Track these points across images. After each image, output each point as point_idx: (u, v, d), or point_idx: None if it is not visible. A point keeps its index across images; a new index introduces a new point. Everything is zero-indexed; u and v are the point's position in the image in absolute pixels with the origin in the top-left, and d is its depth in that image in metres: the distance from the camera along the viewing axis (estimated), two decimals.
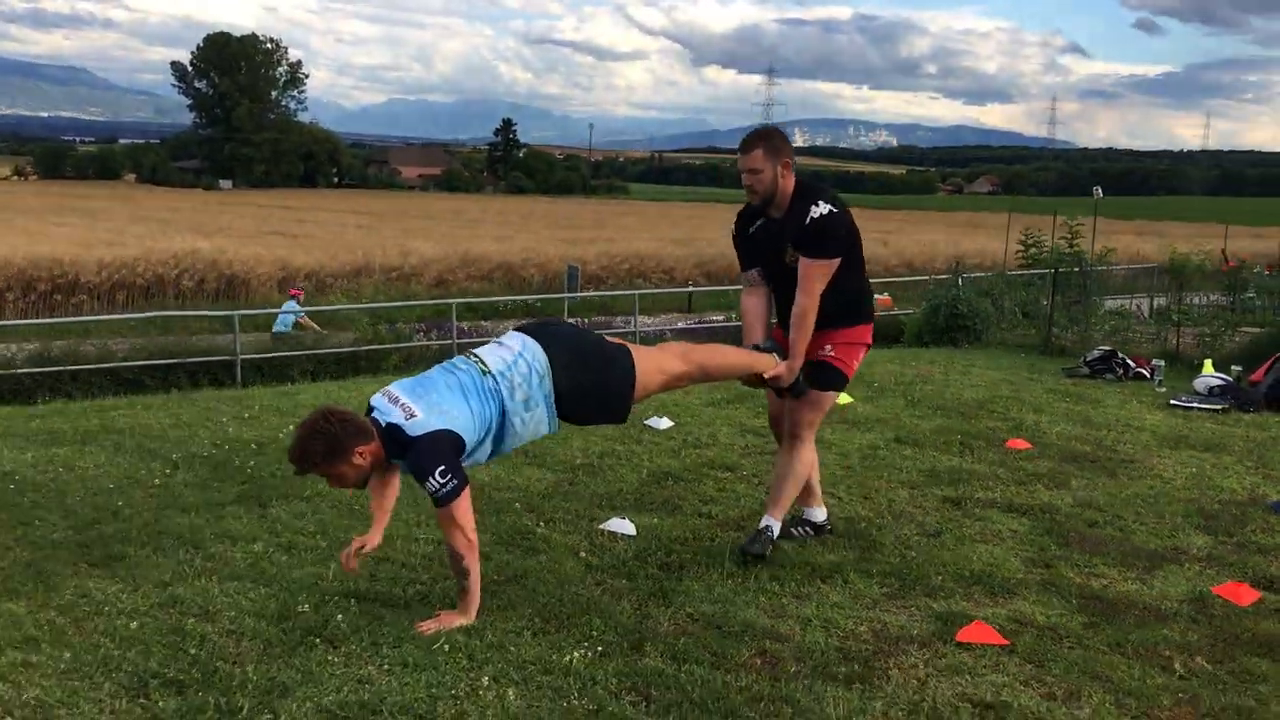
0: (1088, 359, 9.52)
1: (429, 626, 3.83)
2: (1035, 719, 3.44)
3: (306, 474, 3.87)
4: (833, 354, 4.67)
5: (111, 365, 12.45)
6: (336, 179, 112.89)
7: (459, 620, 3.89)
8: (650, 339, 16.15)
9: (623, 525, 5.11)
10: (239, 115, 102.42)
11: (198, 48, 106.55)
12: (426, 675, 3.53)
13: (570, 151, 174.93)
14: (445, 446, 3.78)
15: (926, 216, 63.05)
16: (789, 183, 4.54)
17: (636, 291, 17.90)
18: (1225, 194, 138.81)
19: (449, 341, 14.11)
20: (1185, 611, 4.35)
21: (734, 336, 15.93)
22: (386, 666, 3.58)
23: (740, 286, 5.10)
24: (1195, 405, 8.13)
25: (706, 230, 45.35)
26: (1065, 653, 3.92)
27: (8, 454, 5.95)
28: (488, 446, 4.00)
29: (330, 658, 3.62)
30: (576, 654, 3.72)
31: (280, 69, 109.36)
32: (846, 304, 4.64)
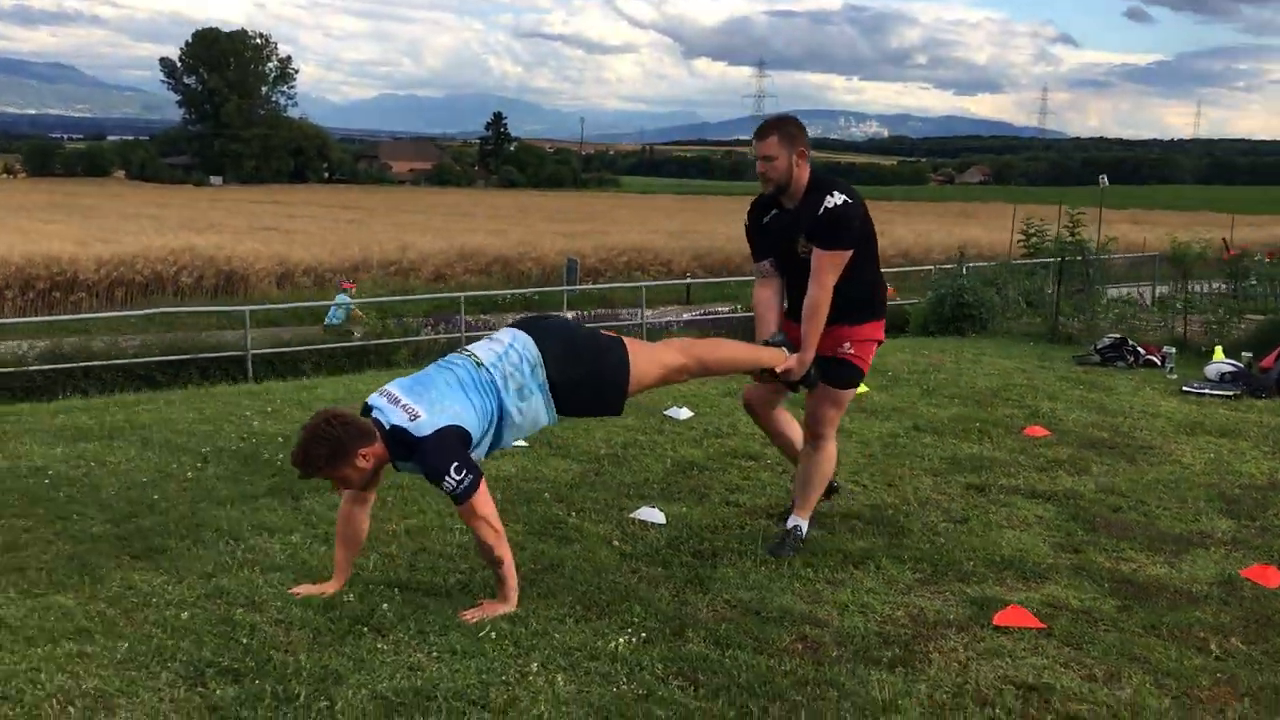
0: (1099, 346, 9.58)
1: (473, 615, 3.87)
2: (1078, 700, 3.49)
3: (310, 477, 3.88)
4: (851, 351, 4.65)
5: (124, 361, 12.46)
6: (326, 174, 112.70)
7: (501, 608, 3.92)
8: (657, 332, 16.22)
9: (653, 514, 5.15)
10: (228, 111, 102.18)
11: (187, 44, 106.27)
12: (475, 662, 3.57)
13: (561, 145, 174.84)
14: (454, 442, 3.79)
15: (919, 207, 63.13)
16: (804, 172, 4.51)
17: (642, 284, 17.92)
18: (1217, 182, 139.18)
19: (458, 335, 14.14)
20: (1215, 594, 4.40)
21: (740, 328, 16.10)
22: (435, 654, 3.62)
23: (747, 278, 5.11)
24: (1208, 392, 8.19)
25: (702, 222, 45.41)
26: (1102, 635, 3.97)
27: (37, 450, 5.98)
28: (489, 439, 4.01)
29: (380, 645, 3.66)
30: (621, 640, 3.77)
31: (270, 65, 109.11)
32: (862, 297, 4.63)
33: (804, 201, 4.51)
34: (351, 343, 13.94)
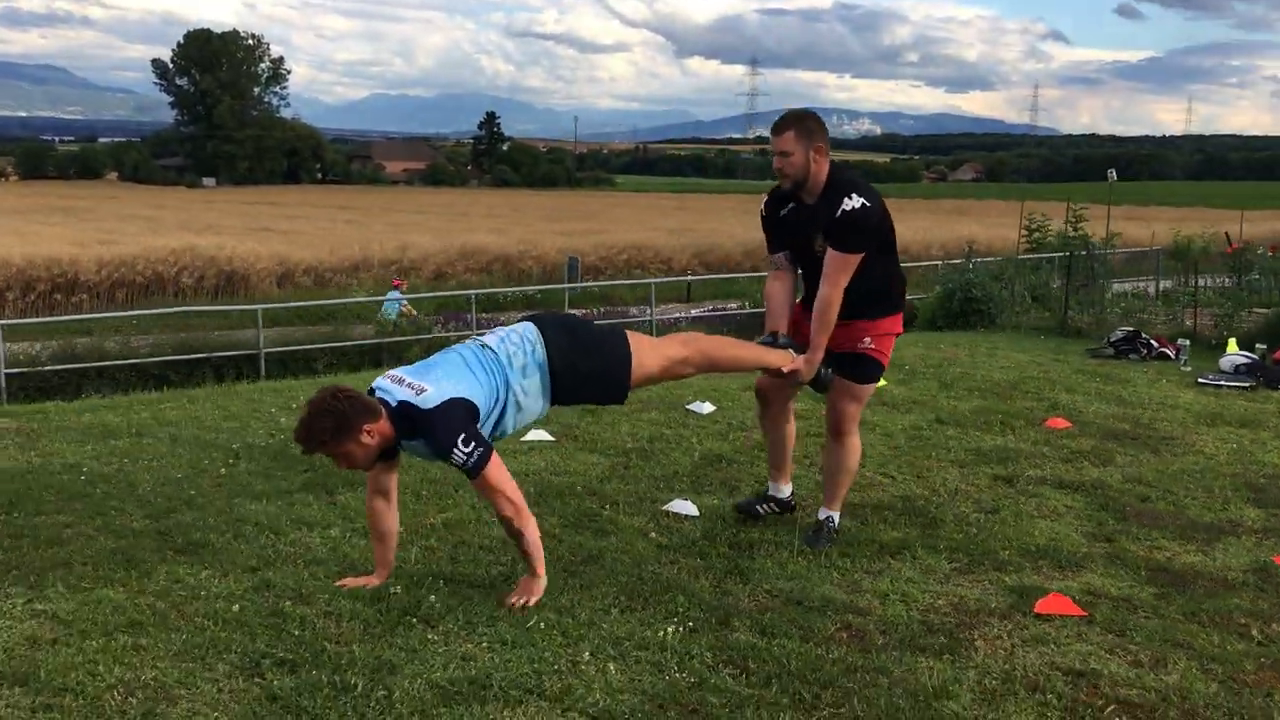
0: (1112, 339, 9.63)
1: (515, 598, 3.91)
2: (1127, 685, 3.52)
3: (314, 453, 3.84)
4: (872, 346, 4.62)
5: (138, 361, 12.45)
6: (320, 175, 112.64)
7: (536, 585, 3.95)
8: (665, 329, 16.21)
9: (685, 506, 5.18)
10: (221, 112, 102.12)
11: (179, 45, 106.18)
12: (526, 652, 3.60)
13: (554, 144, 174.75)
14: (461, 413, 3.76)
15: (913, 204, 63.13)
16: (822, 168, 4.46)
17: (651, 281, 17.94)
18: (1208, 178, 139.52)
19: (468, 333, 14.14)
20: (1251, 581, 4.44)
21: (748, 324, 16.15)
22: (486, 644, 3.65)
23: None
24: (1223, 383, 8.24)
25: (700, 220, 45.50)
26: (1143, 622, 4.00)
27: (67, 448, 5.99)
28: (495, 417, 3.98)
29: (430, 636, 3.68)
30: (668, 629, 3.80)
31: (262, 65, 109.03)
32: (880, 292, 4.60)
33: (822, 198, 4.46)
34: (402, 337, 13.98)
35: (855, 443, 4.80)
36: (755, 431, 6.62)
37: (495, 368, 3.95)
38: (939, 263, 18.34)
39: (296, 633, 3.66)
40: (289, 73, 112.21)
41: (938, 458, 6.13)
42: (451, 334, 14.72)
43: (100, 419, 6.70)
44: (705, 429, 6.68)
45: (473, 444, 3.71)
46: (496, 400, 3.95)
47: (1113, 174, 13.52)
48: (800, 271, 4.71)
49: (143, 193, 74.87)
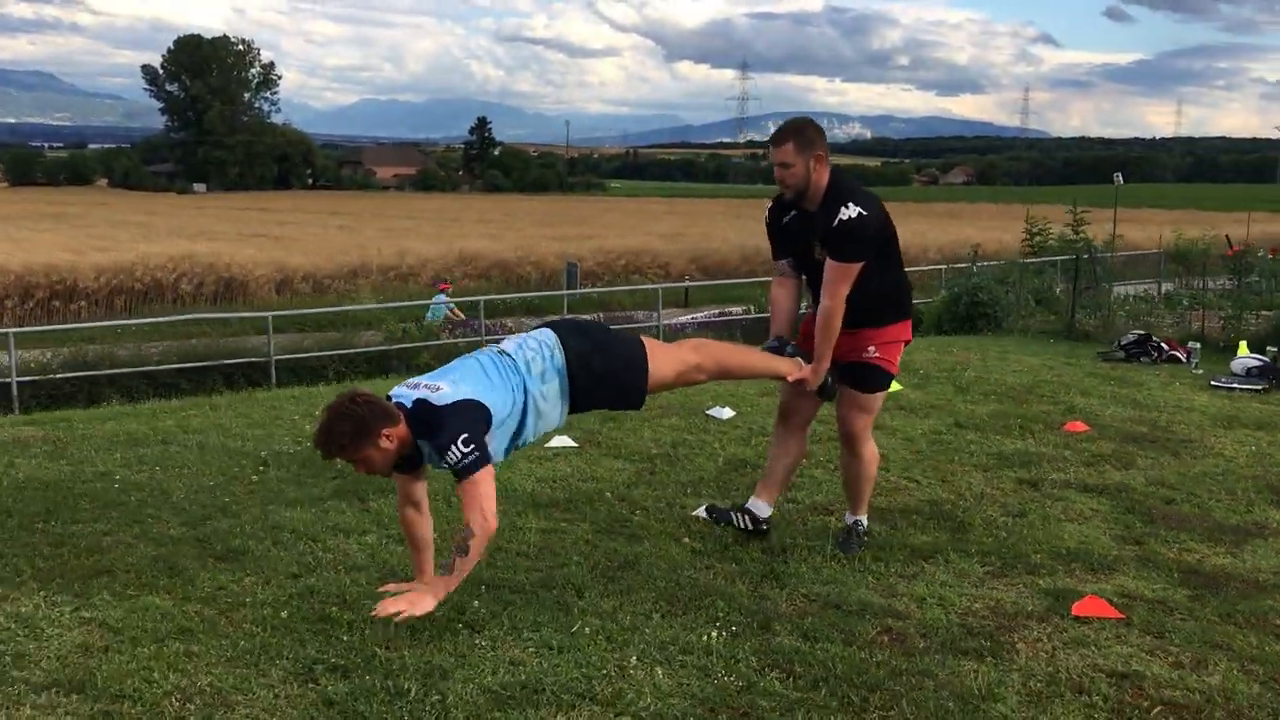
0: (1123, 343, 9.69)
1: (392, 606, 3.59)
2: (1170, 686, 3.55)
3: (333, 458, 3.81)
4: (877, 355, 4.60)
5: (149, 369, 12.41)
6: (311, 181, 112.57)
7: (426, 603, 3.64)
8: (672, 334, 16.26)
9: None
10: (211, 118, 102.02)
11: (169, 50, 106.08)
12: (573, 657, 3.62)
13: (544, 149, 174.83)
14: (473, 415, 3.74)
15: (905, 208, 63.17)
16: (822, 177, 4.43)
17: (659, 286, 17.96)
18: (1198, 180, 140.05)
19: (477, 339, 14.17)
20: None
21: (753, 329, 16.14)
22: (532, 649, 3.67)
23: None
24: (1236, 386, 8.30)
25: (695, 225, 45.51)
26: (1180, 624, 4.04)
27: (96, 456, 6.00)
28: (509, 430, 3.95)
29: (478, 642, 3.71)
30: (712, 634, 3.82)
31: (253, 71, 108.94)
32: (885, 300, 4.58)
33: (823, 207, 4.44)
34: (410, 344, 14.07)
35: (870, 451, 4.77)
36: None
37: (513, 374, 3.94)
38: (942, 267, 18.38)
39: (345, 638, 3.68)
40: (279, 78, 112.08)
41: (960, 462, 6.16)
42: (460, 340, 14.73)
43: (124, 427, 6.70)
44: (727, 434, 6.71)
45: (472, 446, 3.67)
46: (514, 406, 3.92)
47: (1119, 177, 13.58)
48: (807, 281, 4.69)
49: (133, 199, 74.74)
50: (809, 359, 4.56)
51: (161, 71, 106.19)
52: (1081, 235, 15.41)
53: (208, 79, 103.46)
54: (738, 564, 4.55)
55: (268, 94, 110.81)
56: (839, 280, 4.40)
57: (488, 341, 14.10)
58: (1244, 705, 3.44)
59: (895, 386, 7.98)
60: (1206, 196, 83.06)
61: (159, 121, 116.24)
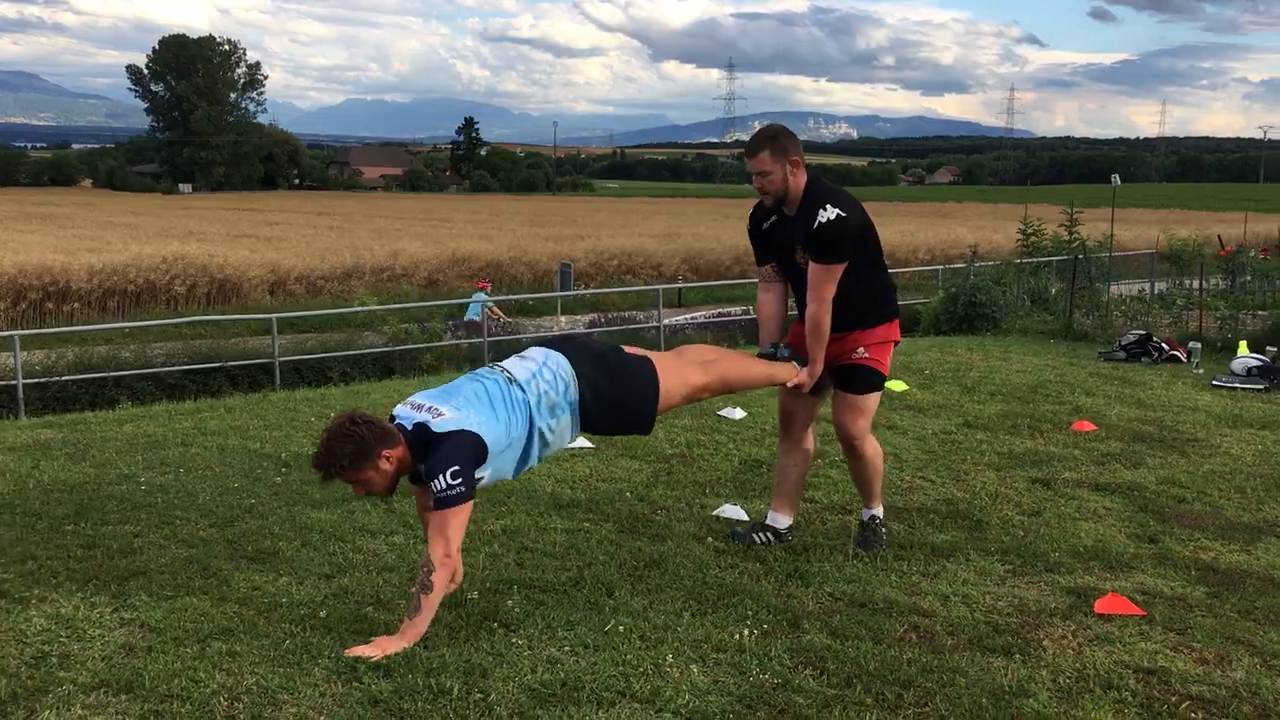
0: (1123, 343, 9.78)
1: (360, 651, 3.59)
2: (1196, 681, 3.62)
3: (332, 479, 3.77)
4: (866, 356, 4.64)
5: (156, 370, 12.38)
6: (297, 181, 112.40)
7: (395, 645, 3.62)
8: (672, 336, 16.32)
9: (735, 511, 5.27)
10: (197, 118, 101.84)
11: (154, 50, 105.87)
12: (609, 655, 3.67)
13: (531, 149, 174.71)
14: (467, 449, 3.72)
15: (894, 207, 63.49)
16: (799, 180, 4.47)
17: (659, 287, 18.01)
18: (1183, 180, 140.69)
19: (480, 340, 14.19)
20: None
21: (751, 329, 16.19)
22: (568, 648, 3.72)
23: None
24: (1238, 386, 8.40)
25: (686, 225, 45.58)
26: (1201, 621, 4.11)
27: (118, 458, 6.02)
28: (513, 458, 3.94)
29: (515, 641, 3.75)
30: (743, 632, 3.88)
31: (238, 71, 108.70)
32: (871, 301, 4.61)
33: (801, 210, 4.48)
34: (414, 345, 14.16)
35: (872, 448, 4.79)
36: None
37: (520, 408, 3.91)
38: (940, 267, 18.50)
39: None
40: (265, 78, 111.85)
41: (973, 461, 6.24)
42: (463, 341, 14.76)
43: (142, 429, 6.73)
44: (740, 435, 6.77)
45: (459, 480, 3.66)
46: (515, 438, 3.90)
47: (1116, 178, 13.69)
48: (793, 286, 4.72)
49: (119, 199, 74.54)
50: (803, 361, 4.60)
51: (146, 71, 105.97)
52: (1075, 236, 15.53)
53: (193, 79, 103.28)
54: (762, 563, 4.60)
55: (253, 94, 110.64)
56: (823, 282, 4.44)
57: (491, 345, 14.31)
58: (1269, 700, 3.51)
59: (902, 386, 8.07)
60: (1192, 196, 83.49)
61: (143, 122, 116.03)
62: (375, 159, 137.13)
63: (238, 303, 23.35)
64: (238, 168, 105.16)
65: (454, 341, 14.52)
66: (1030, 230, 16.35)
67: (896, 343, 4.83)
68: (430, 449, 3.71)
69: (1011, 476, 5.96)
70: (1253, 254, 16.46)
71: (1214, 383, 8.55)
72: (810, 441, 4.95)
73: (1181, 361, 9.53)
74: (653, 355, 4.37)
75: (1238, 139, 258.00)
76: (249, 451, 6.17)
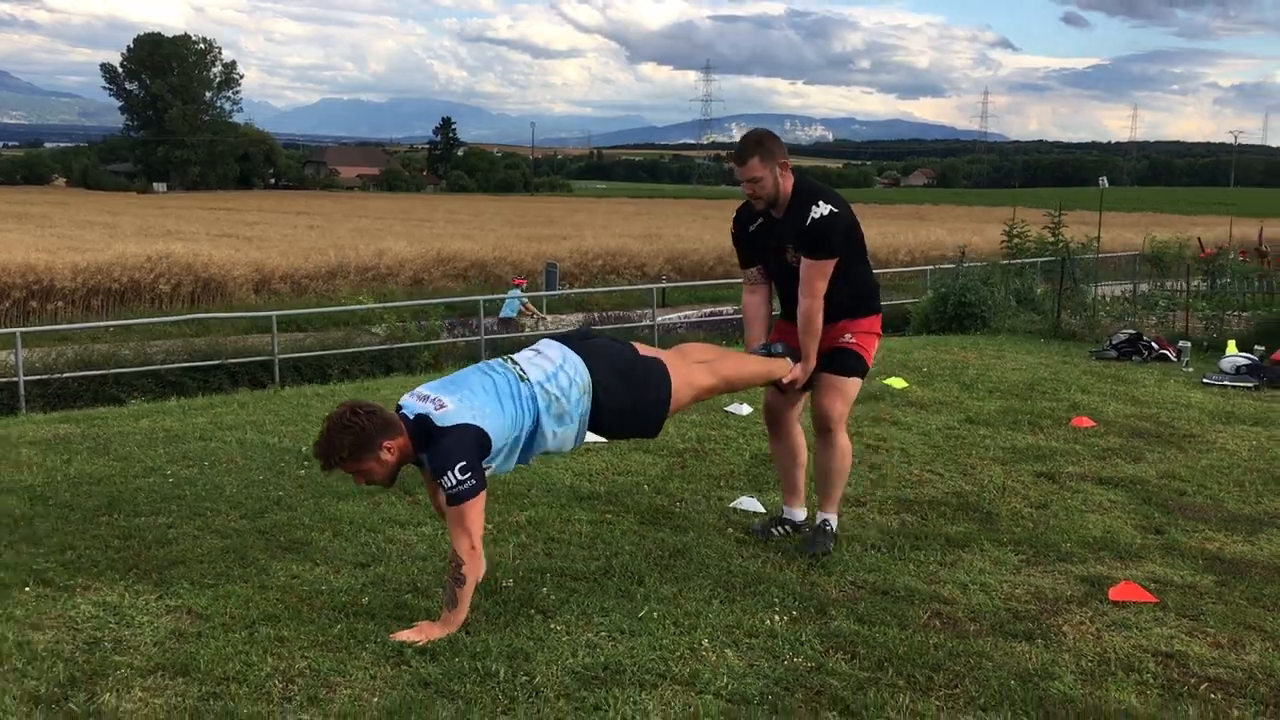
0: (1114, 341, 9.96)
1: (405, 636, 3.69)
2: (1213, 665, 3.75)
3: (333, 469, 3.78)
4: (853, 340, 4.69)
5: (157, 367, 12.38)
6: (273, 180, 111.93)
7: (438, 632, 3.72)
8: (665, 332, 16.43)
9: (752, 503, 5.39)
10: (172, 117, 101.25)
11: (128, 49, 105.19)
12: (646, 640, 3.78)
13: (508, 150, 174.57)
14: (471, 443, 3.71)
15: (871, 209, 63.75)
16: (788, 182, 4.53)
17: (654, 286, 18.13)
18: (1154, 184, 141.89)
19: (477, 339, 14.25)
20: None
21: (742, 327, 16.28)
22: (605, 633, 3.83)
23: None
24: (1228, 384, 8.58)
25: (668, 225, 45.73)
26: (1212, 607, 4.25)
27: (140, 452, 6.09)
28: (515, 453, 3.94)
29: (553, 626, 3.85)
30: (774, 618, 3.99)
31: (214, 70, 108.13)
32: (858, 295, 4.68)
33: (790, 210, 4.53)
34: (411, 343, 14.28)
35: (845, 442, 4.80)
36: None
37: (528, 405, 3.89)
38: (929, 268, 18.71)
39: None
40: (241, 77, 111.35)
41: (978, 455, 6.37)
42: (459, 339, 14.82)
43: (159, 424, 6.79)
44: (749, 429, 6.88)
45: (469, 474, 3.66)
46: (519, 436, 3.90)
47: (1104, 181, 13.89)
48: (776, 286, 4.78)
49: (94, 198, 74.06)
50: (798, 357, 4.67)
51: (121, 70, 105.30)
52: (1059, 237, 15.74)
53: (168, 78, 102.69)
54: (783, 553, 4.72)
55: (229, 93, 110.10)
56: (816, 278, 4.51)
57: (486, 344, 14.40)
58: None
59: (902, 384, 8.21)
60: (1164, 200, 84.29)
61: (117, 120, 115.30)
62: (352, 159, 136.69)
63: (222, 301, 23.32)
64: (213, 167, 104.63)
65: (450, 340, 14.60)
66: (1014, 232, 16.55)
67: (879, 336, 4.89)
68: (432, 442, 3.71)
69: (1017, 470, 6.10)
70: (1232, 256, 16.71)
71: (1204, 380, 8.74)
72: (799, 434, 5.01)
73: (1171, 360, 9.72)
74: (663, 357, 4.38)
75: (1208, 143, 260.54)
76: (268, 446, 6.25)
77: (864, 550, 4.78)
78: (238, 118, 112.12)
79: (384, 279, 25.77)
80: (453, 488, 3.66)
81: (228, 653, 3.53)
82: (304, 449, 6.14)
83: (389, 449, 3.70)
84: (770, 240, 4.63)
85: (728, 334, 16.14)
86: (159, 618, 3.83)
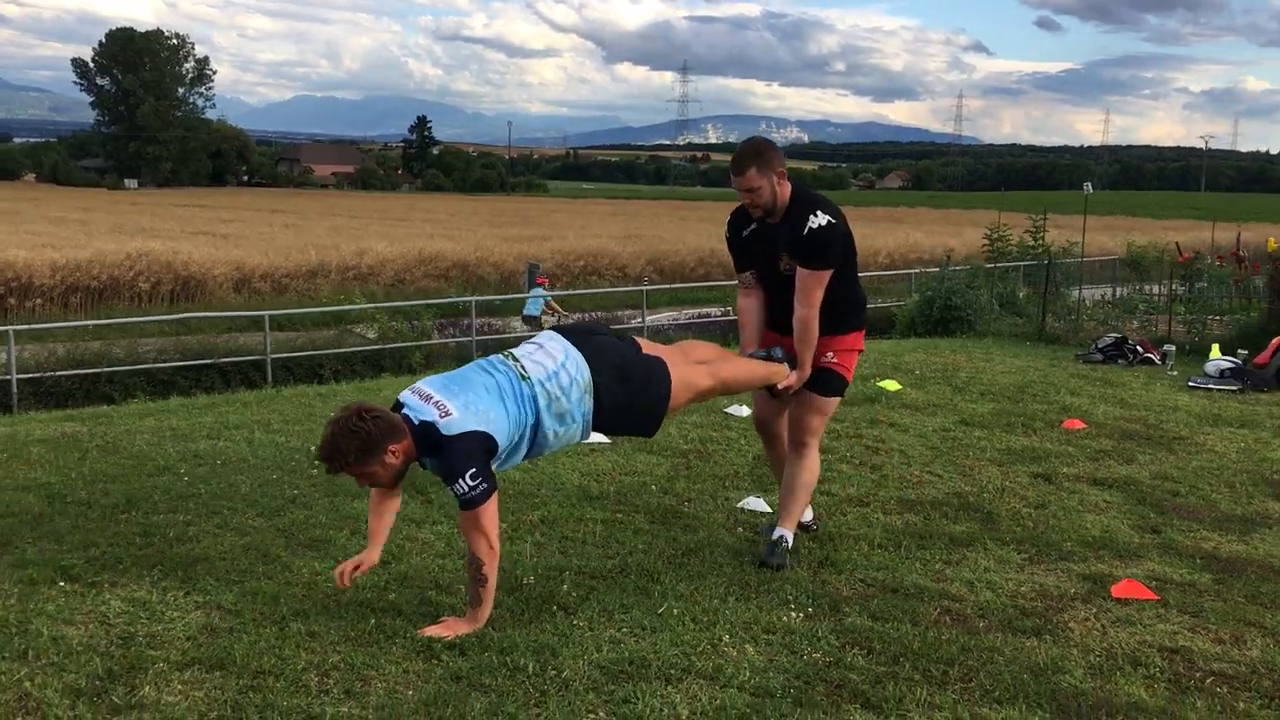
0: (1100, 345, 10.13)
1: (433, 631, 3.77)
2: (1216, 660, 3.88)
3: (337, 473, 3.78)
4: (835, 360, 4.71)
5: (150, 366, 12.36)
6: (246, 177, 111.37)
7: (465, 628, 3.79)
8: (654, 334, 16.52)
9: (758, 504, 5.49)
10: (144, 113, 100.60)
11: (100, 44, 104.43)
12: (667, 635, 3.87)
13: (484, 149, 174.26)
14: (478, 449, 3.72)
15: (847, 212, 63.03)
16: (785, 190, 4.52)
17: (641, 288, 18.21)
18: (1126, 188, 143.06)
19: (468, 339, 14.30)
20: None
21: (731, 329, 16.42)
22: (626, 629, 3.91)
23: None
24: (1213, 387, 8.76)
25: (643, 226, 45.78)
26: (1212, 604, 4.38)
27: (150, 451, 6.13)
28: (518, 453, 3.97)
29: (575, 623, 3.93)
30: (791, 614, 4.09)
31: (187, 66, 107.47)
32: (845, 309, 4.68)
33: (786, 218, 4.53)
34: (403, 344, 14.34)
35: (815, 460, 4.82)
36: None
37: (529, 404, 3.90)
38: (903, 271, 18.91)
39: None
40: (214, 73, 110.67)
41: (975, 457, 6.50)
42: (450, 340, 14.87)
43: (165, 423, 6.83)
44: (750, 431, 6.96)
45: (479, 479, 3.68)
46: (521, 435, 3.91)
47: (1089, 186, 14.07)
48: (767, 294, 4.79)
49: (65, 194, 73.50)
50: (794, 363, 4.69)
51: (93, 65, 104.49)
52: (1040, 241, 15.93)
53: (140, 73, 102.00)
54: (793, 553, 4.80)
55: (202, 89, 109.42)
56: (812, 288, 4.52)
57: (479, 343, 14.45)
58: None
59: (895, 386, 8.34)
60: (1136, 204, 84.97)
61: (88, 116, 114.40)
62: (326, 156, 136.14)
63: (202, 300, 23.25)
64: (185, 163, 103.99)
65: (442, 340, 14.65)
66: (996, 235, 16.73)
67: (861, 351, 4.94)
68: (440, 450, 3.72)
69: (1014, 472, 6.22)
70: (1209, 261, 16.93)
71: (1189, 384, 8.91)
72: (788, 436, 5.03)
73: (1156, 363, 9.89)
74: (664, 355, 4.39)
75: (1179, 148, 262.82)
76: (277, 445, 6.30)
77: (871, 549, 4.89)
78: (210, 114, 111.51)
79: (365, 278, 25.76)
80: (466, 494, 3.69)
81: (261, 647, 3.60)
82: (313, 448, 6.17)
83: (394, 452, 3.72)
84: (764, 246, 4.65)
85: (715, 336, 16.27)
86: (188, 613, 3.88)
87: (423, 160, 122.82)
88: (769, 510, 5.39)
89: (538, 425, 3.94)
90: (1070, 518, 5.42)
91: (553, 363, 4.00)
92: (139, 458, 5.95)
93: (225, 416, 7.06)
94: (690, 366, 4.47)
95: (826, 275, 4.52)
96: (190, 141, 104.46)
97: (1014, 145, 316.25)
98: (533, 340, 4.20)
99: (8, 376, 10.77)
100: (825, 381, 4.72)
